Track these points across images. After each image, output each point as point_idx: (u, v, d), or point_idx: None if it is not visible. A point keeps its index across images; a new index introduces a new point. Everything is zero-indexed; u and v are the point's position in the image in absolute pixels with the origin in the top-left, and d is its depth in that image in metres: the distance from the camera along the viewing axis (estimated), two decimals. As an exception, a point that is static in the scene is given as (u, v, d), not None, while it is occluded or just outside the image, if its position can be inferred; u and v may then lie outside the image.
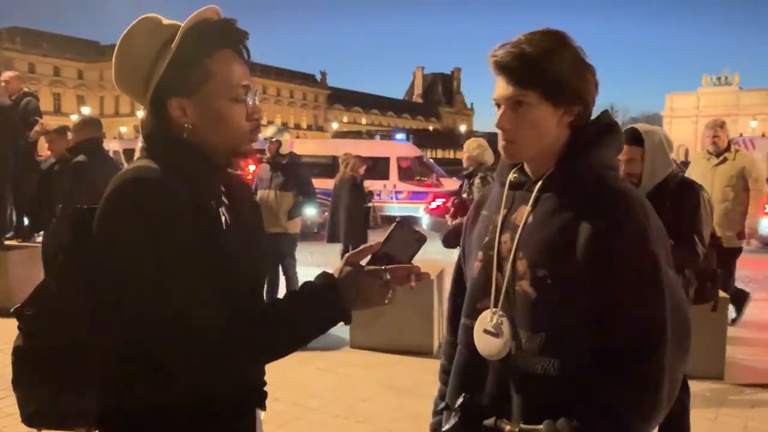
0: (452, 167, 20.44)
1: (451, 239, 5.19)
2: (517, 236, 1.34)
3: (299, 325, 1.21)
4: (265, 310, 1.22)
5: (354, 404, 4.23)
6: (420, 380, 4.64)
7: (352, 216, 7.68)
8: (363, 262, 1.23)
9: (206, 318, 1.14)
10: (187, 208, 1.18)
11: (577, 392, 1.24)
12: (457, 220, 5.33)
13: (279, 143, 6.09)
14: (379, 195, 9.38)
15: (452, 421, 1.39)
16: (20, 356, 1.27)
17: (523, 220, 1.35)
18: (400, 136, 22.22)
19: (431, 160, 19.93)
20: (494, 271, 1.38)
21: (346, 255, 1.26)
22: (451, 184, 16.23)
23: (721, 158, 5.67)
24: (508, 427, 1.31)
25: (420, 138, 27.03)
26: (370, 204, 8.00)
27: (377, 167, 14.99)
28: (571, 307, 1.27)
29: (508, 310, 1.36)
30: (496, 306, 1.37)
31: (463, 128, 59.14)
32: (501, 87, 1.35)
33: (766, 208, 6.47)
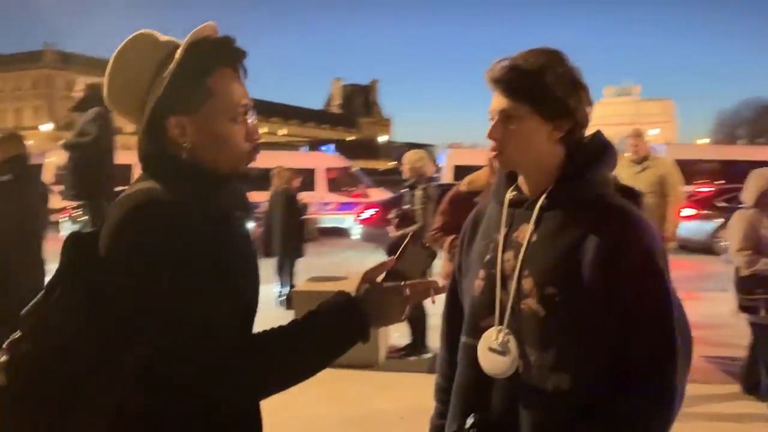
0: (375, 177, 20.62)
1: (395, 249, 5.21)
2: (521, 254, 1.35)
3: (320, 346, 1.19)
4: (284, 330, 1.18)
5: (308, 420, 4.24)
6: (367, 393, 4.74)
7: (287, 229, 7.59)
8: (378, 279, 1.24)
9: (224, 340, 1.11)
10: (200, 228, 1.15)
11: (587, 407, 1.26)
12: (401, 231, 5.38)
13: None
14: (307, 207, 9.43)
15: None
16: (7, 395, 1.14)
17: (527, 239, 1.36)
18: (326, 147, 22.18)
19: (358, 171, 20.02)
20: (498, 290, 1.39)
21: (363, 272, 1.25)
22: (379, 194, 16.35)
23: (643, 165, 5.99)
24: None
25: (341, 148, 27.13)
26: (305, 217, 7.92)
27: (304, 179, 14.94)
28: (580, 324, 1.29)
29: (514, 328, 1.36)
30: (501, 324, 1.38)
31: (381, 139, 59.85)
32: (495, 100, 1.38)
33: (680, 213, 6.89)
